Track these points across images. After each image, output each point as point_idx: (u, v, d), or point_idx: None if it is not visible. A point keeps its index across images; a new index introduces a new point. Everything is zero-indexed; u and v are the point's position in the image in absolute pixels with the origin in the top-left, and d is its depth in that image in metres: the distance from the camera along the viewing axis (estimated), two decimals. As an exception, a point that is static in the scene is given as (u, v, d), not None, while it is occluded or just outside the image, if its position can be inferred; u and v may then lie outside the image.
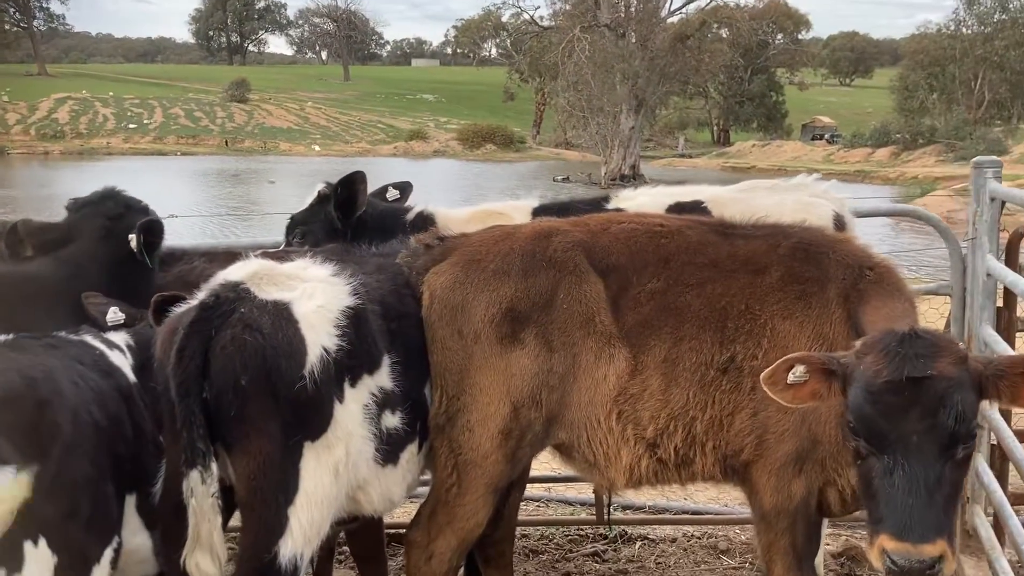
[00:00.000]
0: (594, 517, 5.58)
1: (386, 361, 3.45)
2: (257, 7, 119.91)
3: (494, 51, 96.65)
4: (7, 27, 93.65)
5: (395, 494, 3.58)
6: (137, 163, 55.74)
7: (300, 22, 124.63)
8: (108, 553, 2.92)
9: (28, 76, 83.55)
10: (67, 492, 2.75)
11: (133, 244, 4.37)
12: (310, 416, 3.08)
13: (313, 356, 3.07)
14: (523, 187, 44.63)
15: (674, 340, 3.61)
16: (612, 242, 3.80)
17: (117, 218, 4.48)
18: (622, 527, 5.65)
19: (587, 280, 3.69)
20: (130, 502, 3.17)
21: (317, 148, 67.28)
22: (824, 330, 3.52)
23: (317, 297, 3.21)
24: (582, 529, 5.69)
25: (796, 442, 3.51)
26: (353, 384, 3.26)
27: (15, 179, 49.34)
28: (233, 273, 3.20)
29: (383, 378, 3.43)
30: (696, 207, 4.79)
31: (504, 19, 79.40)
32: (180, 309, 3.15)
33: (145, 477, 3.20)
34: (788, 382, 3.00)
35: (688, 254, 3.73)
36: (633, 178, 53.02)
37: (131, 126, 68.23)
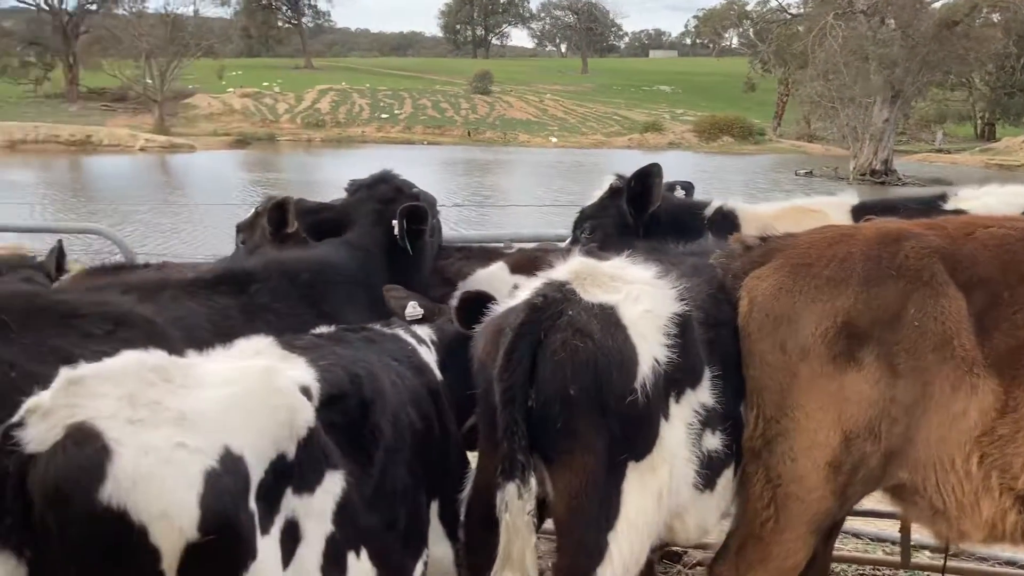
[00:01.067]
0: (894, 557, 4.96)
1: (707, 375, 3.09)
2: (501, 1, 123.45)
3: (735, 41, 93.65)
4: (280, 24, 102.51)
5: (710, 522, 3.23)
6: (388, 151, 58.83)
7: (542, 15, 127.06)
8: (420, 567, 2.76)
9: (296, 69, 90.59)
10: (387, 501, 2.60)
11: (396, 230, 4.23)
12: (637, 433, 2.78)
13: (645, 367, 2.76)
14: (765, 181, 42.86)
15: (1063, 374, 3.00)
16: (979, 250, 3.21)
17: (388, 202, 4.38)
18: (927, 573, 4.98)
19: (945, 294, 3.14)
20: (433, 508, 3.02)
21: (554, 140, 68.07)
22: None
23: (643, 301, 2.90)
24: (879, 570, 5.08)
25: None
26: (678, 400, 2.93)
27: (282, 164, 53.49)
28: (557, 272, 2.94)
29: (704, 394, 3.08)
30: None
31: (749, 7, 76.76)
32: (502, 308, 2.93)
33: (450, 483, 3.03)
34: None
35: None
36: (885, 174, 49.71)
37: (383, 116, 72.24)
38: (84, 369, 2.10)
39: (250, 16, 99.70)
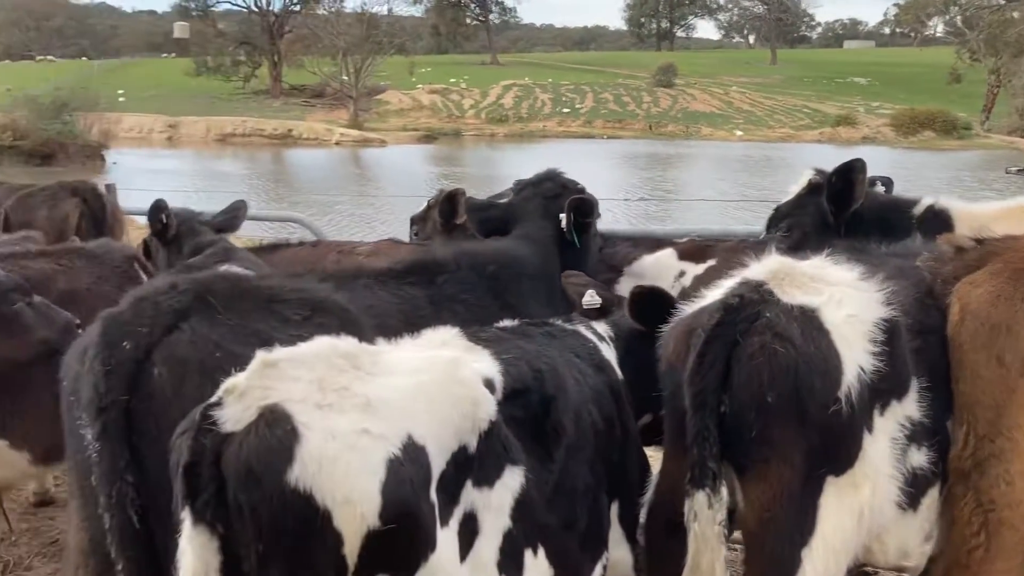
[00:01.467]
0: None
1: (914, 386, 2.85)
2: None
3: (940, 29, 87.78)
4: (468, 21, 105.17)
5: (911, 545, 2.97)
6: (568, 145, 59.15)
7: (729, 6, 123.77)
8: (599, 570, 2.69)
9: (482, 65, 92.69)
10: (567, 500, 2.54)
11: (563, 223, 4.29)
12: (838, 446, 2.59)
13: (849, 375, 2.56)
14: (972, 178, 39.88)
15: None
16: None
17: (554, 197, 4.47)
18: None
19: None
20: (613, 510, 2.93)
21: (739, 133, 66.18)
22: None
23: (847, 305, 2.69)
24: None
25: None
26: (882, 412, 2.71)
27: (466, 158, 54.86)
28: (753, 271, 2.78)
29: (911, 406, 2.83)
30: None
31: (956, -8, 71.75)
32: (692, 308, 2.81)
33: (631, 486, 2.94)
34: None
35: None
36: (1114, 172, 45.10)
37: (564, 110, 72.66)
38: (279, 353, 2.16)
39: (440, 14, 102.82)
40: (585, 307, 3.72)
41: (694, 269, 4.81)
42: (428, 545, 2.10)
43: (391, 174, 42.71)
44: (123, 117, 53.90)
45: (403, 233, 6.10)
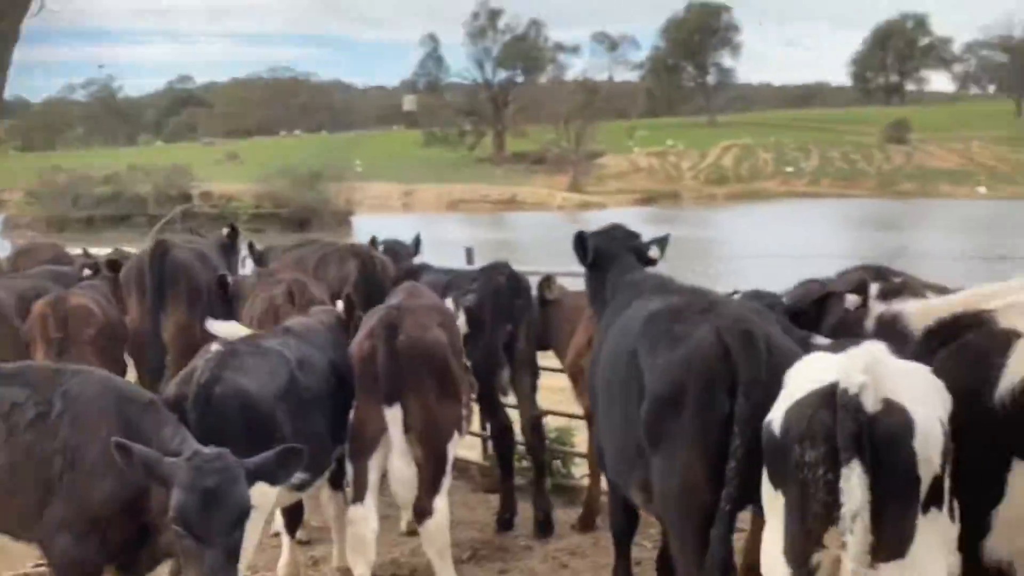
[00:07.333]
0: None
1: None
2: (920, 44, 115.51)
3: None
4: (685, 82, 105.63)
5: None
6: (793, 205, 57.56)
7: (966, 56, 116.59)
8: None
9: (699, 127, 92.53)
10: None
11: None
12: None
13: None
14: None
15: None
16: None
17: None
18: None
19: None
20: None
21: (982, 190, 61.89)
22: None
23: None
24: None
25: None
26: None
27: (685, 219, 54.67)
28: None
29: None
30: None
31: None
32: None
33: None
34: None
35: None
36: None
37: (788, 169, 70.98)
38: None
39: (657, 77, 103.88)
40: None
41: None
42: None
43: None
44: (364, 186, 58.27)
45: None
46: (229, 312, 6.62)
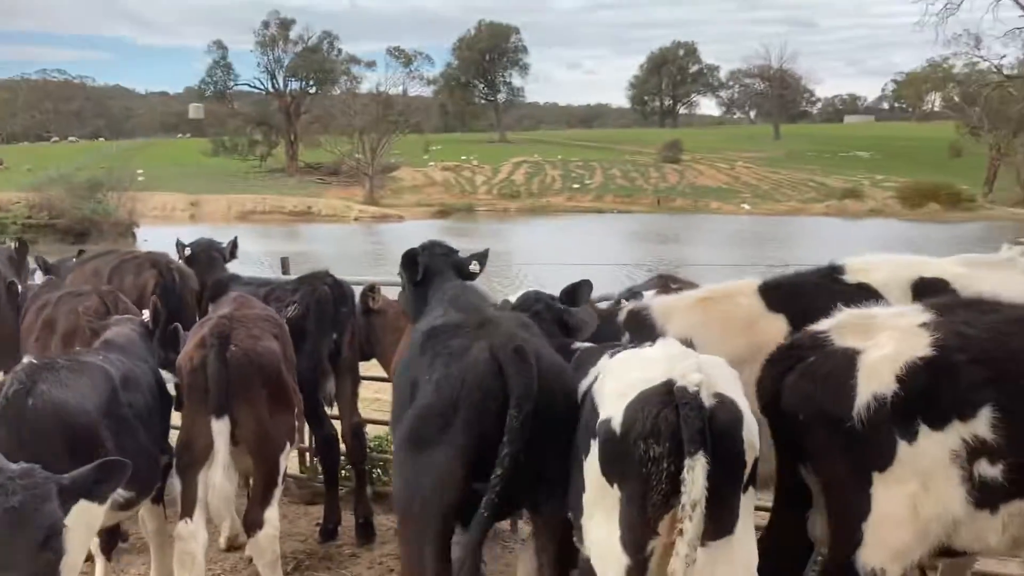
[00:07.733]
0: None
1: None
2: (691, 71, 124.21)
3: (938, 104, 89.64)
4: (477, 100, 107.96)
5: None
6: (579, 220, 60.11)
7: (730, 84, 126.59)
8: None
9: (491, 143, 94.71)
10: None
11: None
12: None
13: None
14: (984, 249, 40.32)
15: None
16: None
17: None
18: None
19: None
20: None
21: (747, 207, 67.33)
22: None
23: None
24: None
25: None
26: None
27: (480, 232, 55.68)
28: None
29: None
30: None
31: (955, 70, 73.59)
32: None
33: None
34: None
35: None
36: (1119, 243, 45.60)
37: (575, 186, 74.08)
38: None
39: (450, 93, 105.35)
40: None
41: None
42: None
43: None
44: (147, 196, 55.20)
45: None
46: (16, 321, 6.41)
